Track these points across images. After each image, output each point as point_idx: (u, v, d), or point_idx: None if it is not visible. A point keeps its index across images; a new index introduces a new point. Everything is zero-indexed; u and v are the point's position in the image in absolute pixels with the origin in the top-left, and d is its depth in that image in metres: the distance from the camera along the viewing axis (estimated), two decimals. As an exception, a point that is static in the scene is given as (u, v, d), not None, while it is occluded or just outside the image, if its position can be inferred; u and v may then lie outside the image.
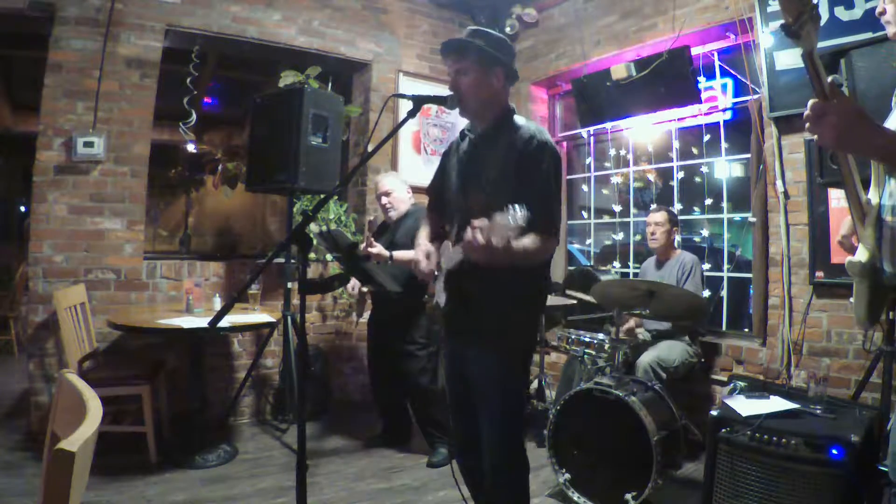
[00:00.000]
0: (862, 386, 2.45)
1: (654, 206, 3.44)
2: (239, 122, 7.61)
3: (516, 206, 1.36)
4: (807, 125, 1.11)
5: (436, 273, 1.81)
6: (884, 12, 1.32)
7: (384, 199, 3.16)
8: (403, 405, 3.33)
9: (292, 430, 3.45)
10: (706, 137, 3.67)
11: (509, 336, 1.75)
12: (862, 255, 1.38)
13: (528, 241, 1.57)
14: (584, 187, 4.49)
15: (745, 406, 2.11)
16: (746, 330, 3.46)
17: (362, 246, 2.76)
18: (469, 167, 1.81)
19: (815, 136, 1.11)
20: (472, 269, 1.67)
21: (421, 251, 1.79)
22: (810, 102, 1.10)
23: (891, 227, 1.28)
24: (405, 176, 4.29)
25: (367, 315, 3.48)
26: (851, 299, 1.48)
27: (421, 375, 3.05)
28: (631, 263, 4.12)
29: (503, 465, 1.79)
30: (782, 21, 1.09)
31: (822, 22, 2.72)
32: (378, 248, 2.78)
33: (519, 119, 1.78)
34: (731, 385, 2.41)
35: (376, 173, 4.28)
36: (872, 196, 1.35)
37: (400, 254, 2.85)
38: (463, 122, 1.88)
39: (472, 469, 1.93)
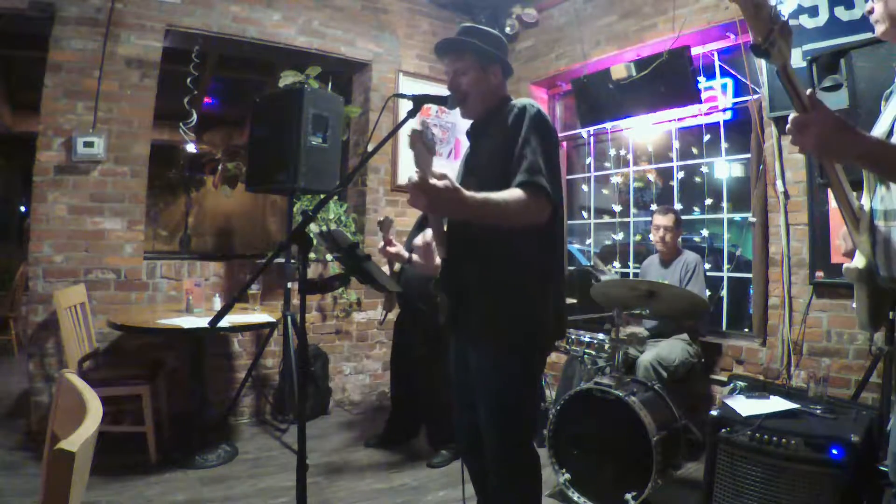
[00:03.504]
0: (862, 386, 2.45)
1: (658, 207, 3.41)
2: (239, 122, 7.61)
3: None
4: (789, 138, 1.13)
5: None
6: (871, 11, 1.33)
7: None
8: (415, 407, 3.32)
9: (292, 430, 3.45)
10: (706, 137, 3.66)
11: (505, 330, 1.63)
12: (859, 261, 1.38)
13: (502, 193, 1.46)
14: (584, 187, 4.49)
15: (745, 406, 2.11)
16: (746, 330, 3.46)
17: (380, 246, 2.70)
18: (467, 158, 1.82)
19: (798, 147, 1.14)
20: (464, 259, 1.65)
21: (420, 236, 1.77)
22: (791, 115, 1.12)
23: (884, 232, 1.29)
24: (405, 176, 4.30)
25: (392, 313, 3.44)
26: (853, 304, 1.48)
27: (444, 388, 3.00)
28: (631, 263, 4.12)
29: (504, 471, 1.69)
30: (751, 42, 1.09)
31: (822, 22, 2.76)
32: (397, 249, 2.67)
33: (514, 101, 1.72)
34: (731, 385, 2.42)
35: (376, 173, 4.30)
36: (865, 201, 1.36)
37: (419, 260, 2.78)
38: (463, 123, 1.88)
39: (476, 468, 1.88)
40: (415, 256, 2.77)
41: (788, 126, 1.13)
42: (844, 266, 1.43)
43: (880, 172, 1.24)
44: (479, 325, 1.66)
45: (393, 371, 3.37)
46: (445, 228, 1.77)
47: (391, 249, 2.65)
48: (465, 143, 1.91)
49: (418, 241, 1.76)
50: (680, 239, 3.36)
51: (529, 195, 1.48)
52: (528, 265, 1.63)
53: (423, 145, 1.34)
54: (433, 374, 3.01)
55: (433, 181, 1.31)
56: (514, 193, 1.47)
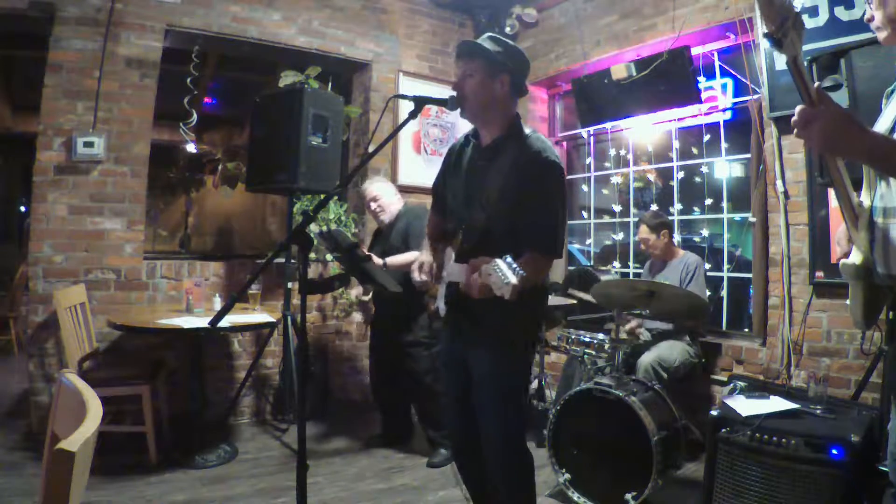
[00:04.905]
0: (862, 386, 2.45)
1: (636, 219, 3.42)
2: (239, 122, 7.61)
3: (510, 259, 1.40)
4: (794, 130, 1.13)
5: (437, 279, 1.83)
6: (872, 19, 1.34)
7: (373, 205, 3.20)
8: (404, 405, 3.33)
9: (292, 430, 3.45)
10: (706, 137, 3.66)
11: (509, 337, 1.75)
12: (856, 257, 1.38)
13: (531, 265, 1.58)
14: (584, 187, 4.49)
15: (745, 406, 2.11)
16: (746, 330, 3.46)
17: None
18: (473, 180, 1.80)
19: (797, 140, 1.14)
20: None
21: (416, 262, 1.81)
22: (798, 108, 1.11)
23: (882, 228, 1.29)
24: (405, 176, 4.32)
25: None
26: (848, 301, 1.49)
27: (426, 375, 3.04)
28: (631, 263, 4.12)
29: (507, 466, 1.78)
30: (764, 30, 1.09)
31: (822, 22, 2.76)
32: (371, 256, 2.80)
33: (526, 129, 1.77)
34: (731, 385, 2.41)
35: (376, 173, 4.29)
36: (864, 198, 1.36)
37: (393, 259, 2.91)
38: (463, 123, 1.88)
39: (470, 469, 1.93)
40: (388, 260, 2.87)
41: (794, 118, 1.12)
42: (841, 262, 1.42)
43: (884, 170, 1.23)
44: (489, 334, 1.75)
45: (372, 374, 3.37)
46: (453, 259, 1.83)
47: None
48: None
49: (416, 275, 1.84)
50: (675, 239, 3.36)
51: (547, 260, 1.70)
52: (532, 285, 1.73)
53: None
54: (413, 372, 3.04)
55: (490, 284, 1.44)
56: (538, 263, 1.65)
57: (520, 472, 1.80)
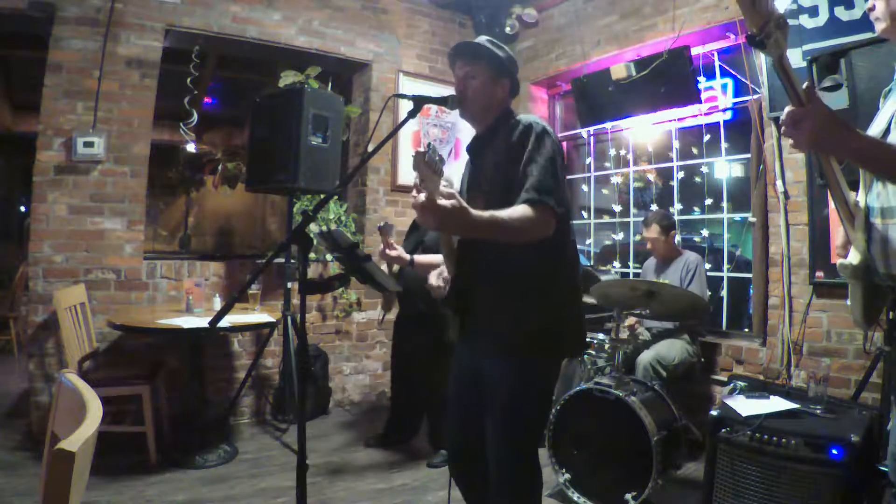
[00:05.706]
0: (862, 386, 2.45)
1: (644, 219, 3.39)
2: (239, 122, 7.61)
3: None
4: (782, 129, 1.13)
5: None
6: (873, 8, 1.34)
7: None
8: (416, 411, 3.32)
9: (292, 430, 3.45)
10: (706, 137, 3.66)
11: (516, 341, 1.63)
12: (854, 257, 1.39)
13: (507, 210, 1.47)
14: (584, 187, 4.49)
15: (745, 406, 2.11)
16: (746, 330, 3.46)
17: (379, 249, 2.72)
18: (472, 173, 1.81)
19: (791, 141, 1.14)
20: (473, 275, 1.66)
21: (435, 273, 1.77)
22: (786, 109, 1.12)
23: (881, 229, 1.29)
24: (405, 176, 4.31)
25: (394, 312, 3.43)
26: (848, 301, 1.49)
27: (441, 386, 2.98)
28: (631, 263, 4.12)
29: (509, 472, 1.67)
30: (747, 32, 1.09)
31: (822, 22, 2.76)
32: (398, 252, 2.69)
33: (518, 115, 1.74)
34: (731, 385, 2.42)
35: (376, 173, 4.30)
36: (861, 198, 1.36)
37: (422, 258, 2.77)
38: (464, 123, 1.88)
39: (465, 474, 1.86)
40: (416, 258, 2.78)
41: (783, 118, 1.13)
42: (839, 262, 1.43)
43: (872, 170, 1.25)
44: (490, 337, 1.67)
45: (393, 372, 3.38)
46: (456, 245, 1.75)
47: (391, 253, 2.66)
48: (465, 144, 1.91)
49: (433, 279, 1.78)
50: (677, 239, 3.36)
51: (535, 212, 1.49)
52: (538, 278, 1.63)
53: (428, 167, 1.32)
54: (434, 374, 3.01)
55: (441, 202, 1.32)
56: (519, 211, 1.48)
57: (522, 485, 1.68)
